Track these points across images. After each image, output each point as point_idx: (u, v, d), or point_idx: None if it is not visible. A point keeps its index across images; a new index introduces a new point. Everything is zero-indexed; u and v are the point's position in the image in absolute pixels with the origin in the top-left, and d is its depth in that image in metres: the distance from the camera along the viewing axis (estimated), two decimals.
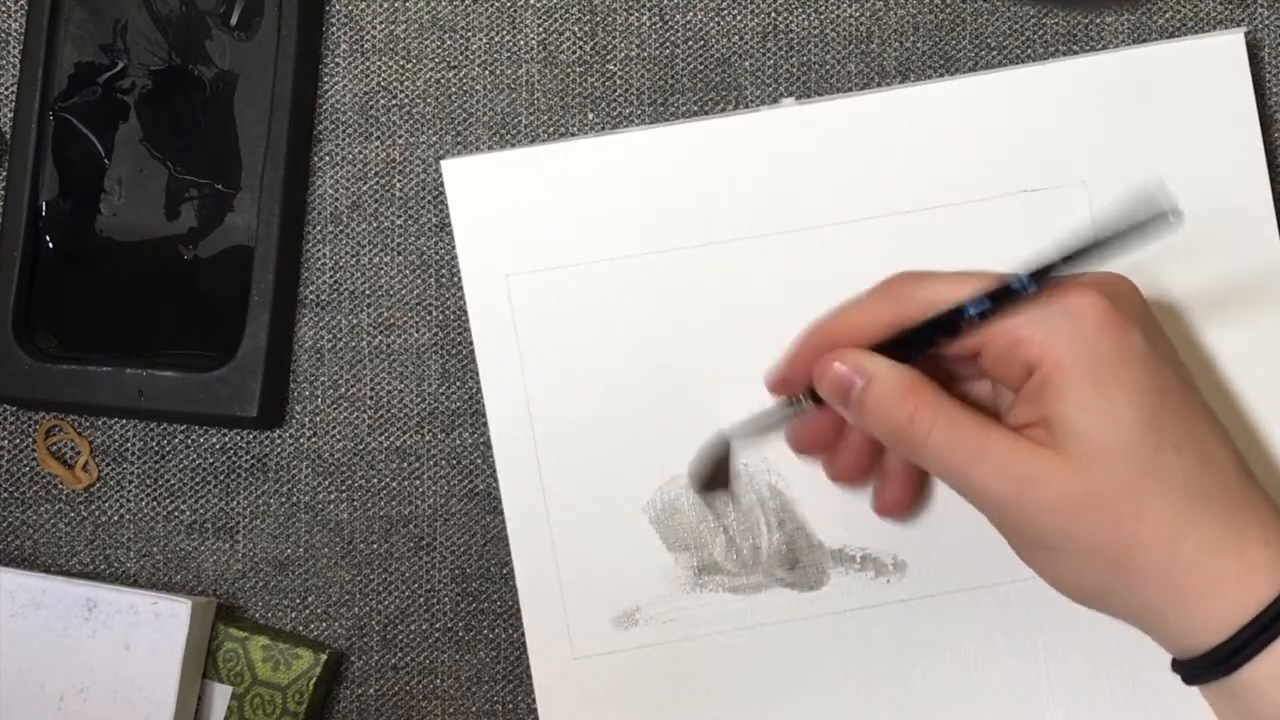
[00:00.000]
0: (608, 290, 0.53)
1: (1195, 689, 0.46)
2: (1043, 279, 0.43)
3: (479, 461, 0.55)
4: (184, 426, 0.55)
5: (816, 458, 0.51)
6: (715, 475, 0.50)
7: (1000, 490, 0.44)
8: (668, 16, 0.56)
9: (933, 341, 0.45)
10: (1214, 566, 0.43)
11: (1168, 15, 0.56)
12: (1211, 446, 0.45)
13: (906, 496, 0.51)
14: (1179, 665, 0.46)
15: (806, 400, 0.47)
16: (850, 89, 0.55)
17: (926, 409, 0.44)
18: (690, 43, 0.56)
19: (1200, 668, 0.44)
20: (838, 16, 0.56)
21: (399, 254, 0.55)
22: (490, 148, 0.55)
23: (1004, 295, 0.44)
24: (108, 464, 0.55)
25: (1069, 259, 0.43)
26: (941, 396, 0.45)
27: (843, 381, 0.46)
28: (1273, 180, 0.54)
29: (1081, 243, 0.43)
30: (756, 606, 0.53)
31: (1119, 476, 0.43)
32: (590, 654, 0.53)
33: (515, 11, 0.56)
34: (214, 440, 0.55)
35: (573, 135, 0.55)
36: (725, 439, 0.49)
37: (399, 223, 0.55)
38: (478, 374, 0.54)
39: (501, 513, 0.53)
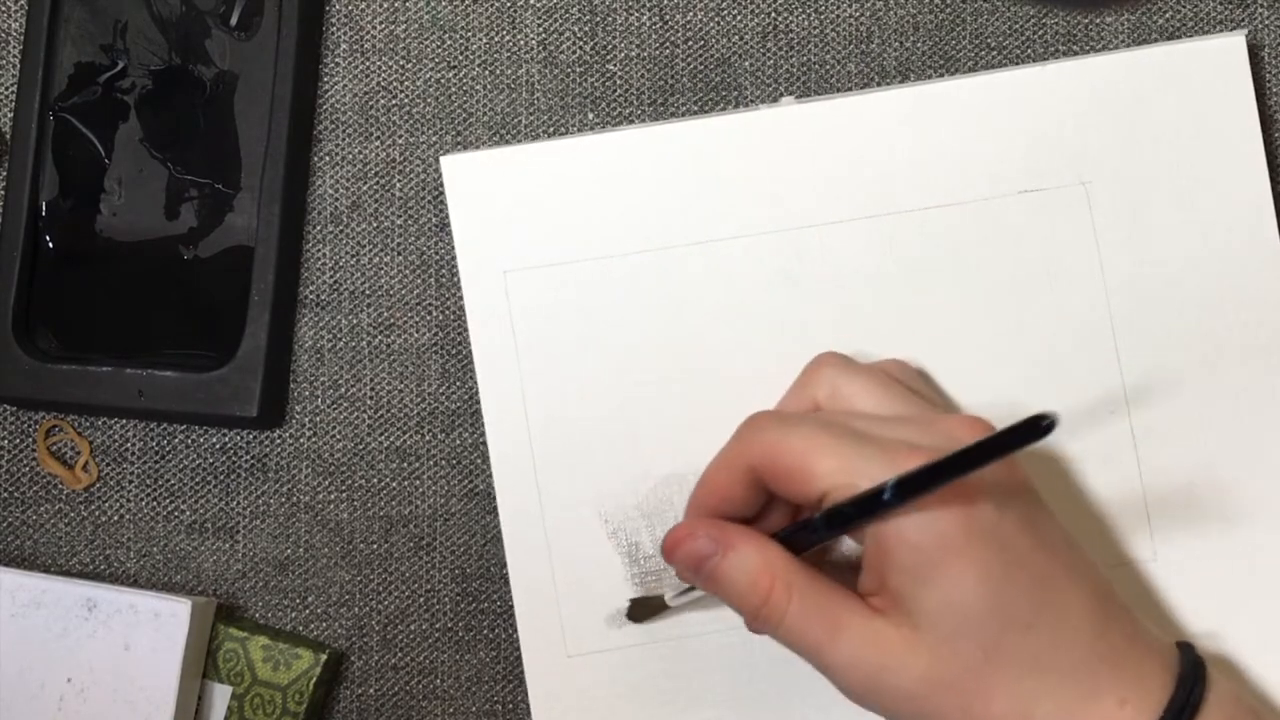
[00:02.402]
0: (606, 288, 0.53)
1: None
2: (907, 495, 0.41)
3: (479, 461, 0.55)
4: (184, 426, 0.55)
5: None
6: (645, 614, 0.52)
7: (855, 678, 0.43)
8: (668, 16, 0.56)
9: (794, 546, 0.45)
10: None
11: (1168, 15, 0.56)
12: (1067, 613, 0.43)
13: None
14: None
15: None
16: (850, 89, 0.55)
17: (781, 588, 0.44)
18: (690, 43, 0.56)
19: None
20: (838, 16, 0.56)
21: (399, 254, 0.55)
22: (490, 147, 0.55)
23: (867, 504, 0.42)
24: (108, 464, 0.55)
25: (940, 474, 0.40)
26: (798, 573, 0.44)
27: (694, 555, 0.45)
28: (1273, 180, 0.54)
29: (956, 457, 0.40)
30: None
31: (965, 658, 0.42)
32: (584, 652, 0.53)
33: (515, 11, 0.56)
34: (214, 440, 0.55)
35: (573, 134, 0.55)
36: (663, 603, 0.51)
37: (399, 223, 0.56)
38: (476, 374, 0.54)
39: None
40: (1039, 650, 0.42)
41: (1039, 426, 0.38)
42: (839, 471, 0.42)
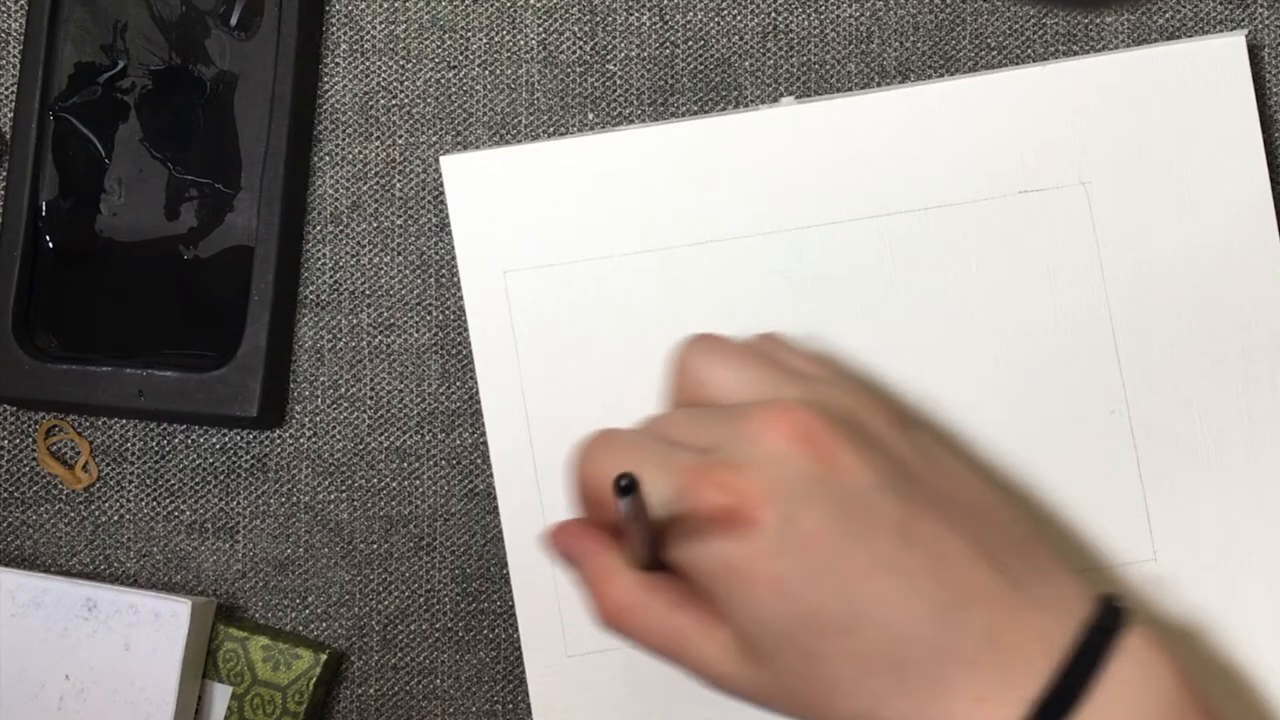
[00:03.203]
0: (606, 288, 0.53)
1: None
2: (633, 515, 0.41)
3: (479, 461, 0.55)
4: (184, 426, 0.55)
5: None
6: None
7: (707, 683, 0.43)
8: (668, 16, 0.56)
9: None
10: None
11: (1168, 15, 0.56)
12: (894, 610, 0.41)
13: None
14: None
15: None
16: (850, 89, 0.55)
17: (615, 602, 0.44)
18: (690, 43, 0.56)
19: None
20: (838, 16, 0.56)
21: (399, 254, 0.55)
22: (490, 147, 0.55)
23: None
24: (108, 464, 0.55)
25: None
26: (637, 585, 0.43)
27: (559, 555, 0.46)
28: (1273, 180, 0.54)
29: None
30: None
31: (794, 667, 0.41)
32: (584, 652, 0.53)
33: (515, 11, 0.56)
34: (214, 440, 0.55)
35: (573, 134, 0.55)
36: None
37: (399, 223, 0.56)
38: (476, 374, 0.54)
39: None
40: (871, 651, 0.40)
41: (618, 486, 0.38)
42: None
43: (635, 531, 0.42)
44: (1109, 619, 0.42)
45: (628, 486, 0.39)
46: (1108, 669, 0.40)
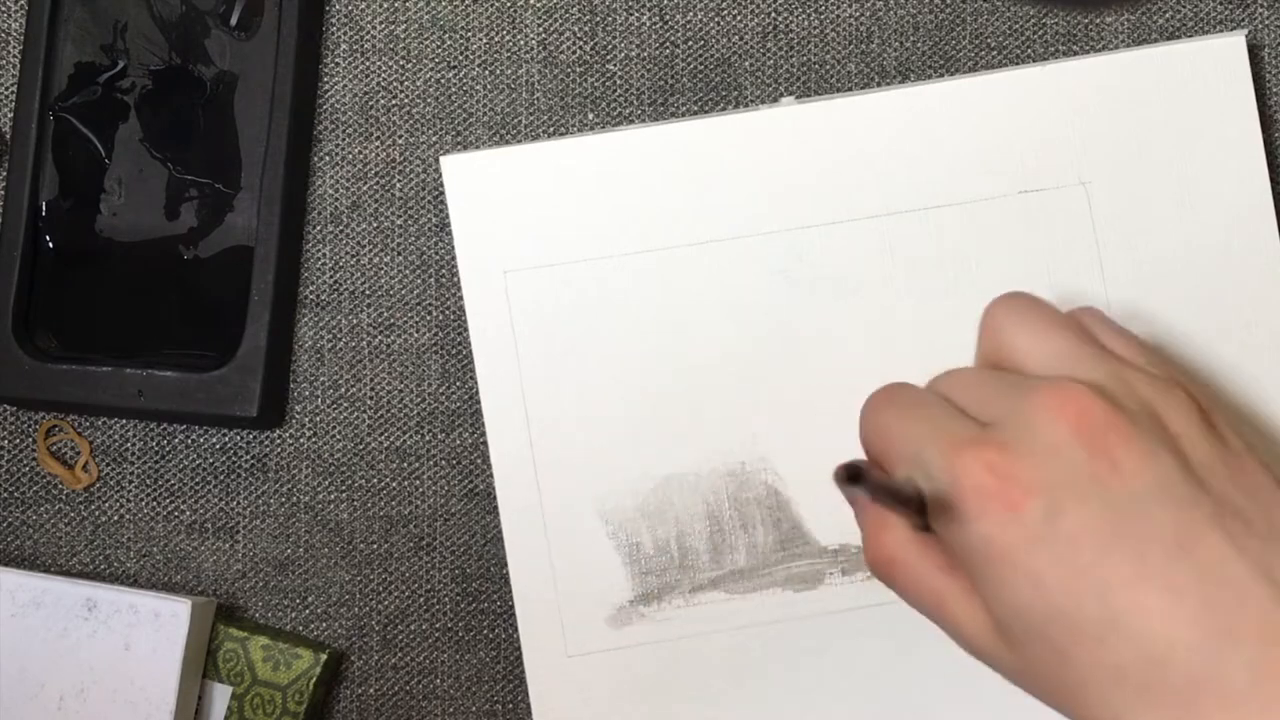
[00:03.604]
0: (606, 288, 0.53)
1: None
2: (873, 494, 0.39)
3: (479, 461, 0.55)
4: (184, 426, 0.55)
5: None
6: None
7: (966, 649, 0.43)
8: (668, 16, 0.56)
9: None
10: None
11: (1168, 15, 0.56)
12: (1148, 625, 0.38)
13: None
14: None
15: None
16: (850, 89, 0.55)
17: (887, 555, 0.43)
18: (690, 43, 0.56)
19: None
20: (838, 16, 0.56)
21: (399, 254, 0.55)
22: (490, 147, 0.55)
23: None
24: (108, 464, 0.55)
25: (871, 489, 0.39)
26: (910, 544, 0.43)
27: (845, 497, 0.44)
28: (1273, 180, 0.54)
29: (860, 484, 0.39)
30: (752, 606, 0.53)
31: (1044, 661, 0.40)
32: (584, 652, 0.53)
33: (515, 11, 0.56)
34: (214, 440, 0.55)
35: (573, 134, 0.55)
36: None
37: (399, 223, 0.56)
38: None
39: None
40: (1123, 664, 0.38)
41: (845, 474, 0.37)
42: (911, 463, 0.42)
43: (878, 507, 0.41)
44: None
45: (853, 476, 0.37)
46: None
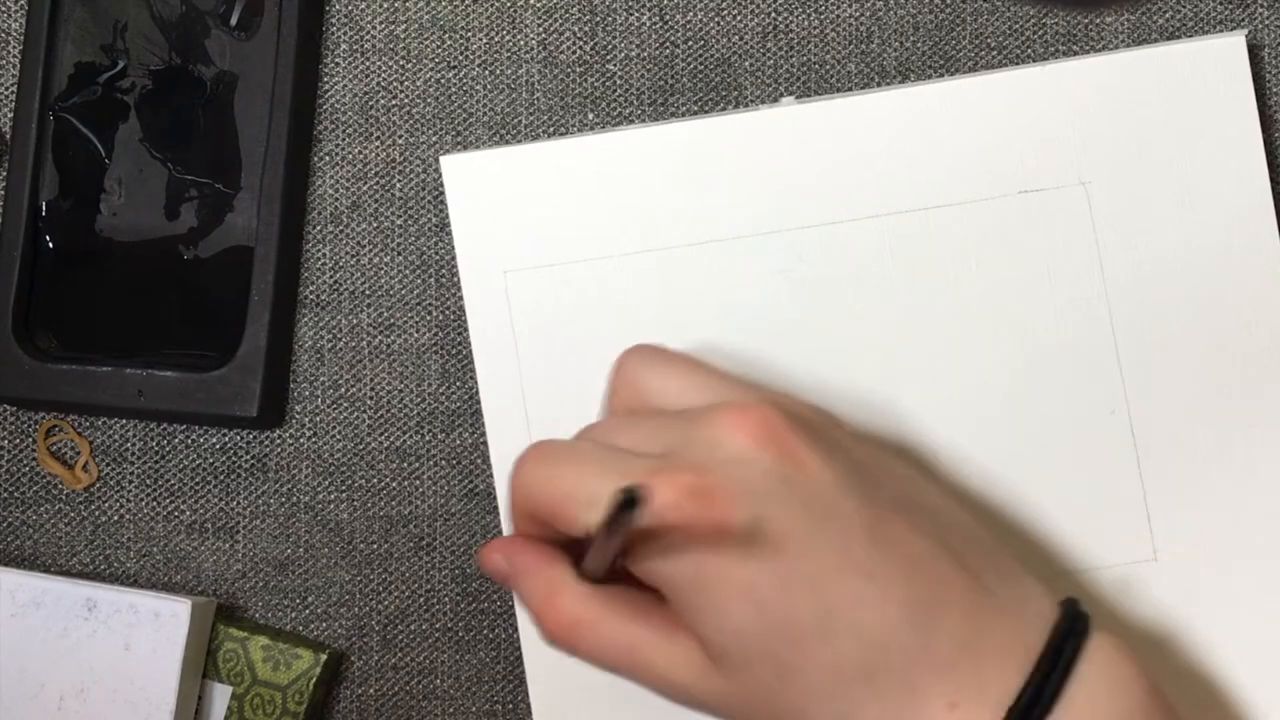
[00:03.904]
0: (606, 288, 0.53)
1: None
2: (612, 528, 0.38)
3: (479, 461, 0.55)
4: (184, 426, 0.55)
5: None
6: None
7: (669, 696, 0.42)
8: (668, 16, 0.56)
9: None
10: None
11: (1168, 15, 0.56)
12: (868, 616, 0.39)
13: None
14: None
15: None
16: (850, 89, 0.55)
17: (568, 616, 0.42)
18: (690, 43, 0.56)
19: None
20: (838, 16, 0.56)
21: (399, 254, 0.55)
22: (490, 147, 0.55)
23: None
24: (108, 464, 0.55)
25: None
26: (590, 599, 0.42)
27: (494, 573, 0.44)
28: (1273, 180, 0.54)
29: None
30: None
31: (763, 679, 0.40)
32: None
33: (515, 11, 0.56)
34: (214, 440, 0.55)
35: (573, 134, 0.55)
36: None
37: (399, 223, 0.56)
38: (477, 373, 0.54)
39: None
40: (845, 658, 0.39)
41: (622, 503, 0.36)
42: (593, 506, 0.40)
43: (608, 547, 0.40)
44: (1076, 623, 0.41)
45: (632, 501, 0.36)
46: (1078, 673, 0.40)
